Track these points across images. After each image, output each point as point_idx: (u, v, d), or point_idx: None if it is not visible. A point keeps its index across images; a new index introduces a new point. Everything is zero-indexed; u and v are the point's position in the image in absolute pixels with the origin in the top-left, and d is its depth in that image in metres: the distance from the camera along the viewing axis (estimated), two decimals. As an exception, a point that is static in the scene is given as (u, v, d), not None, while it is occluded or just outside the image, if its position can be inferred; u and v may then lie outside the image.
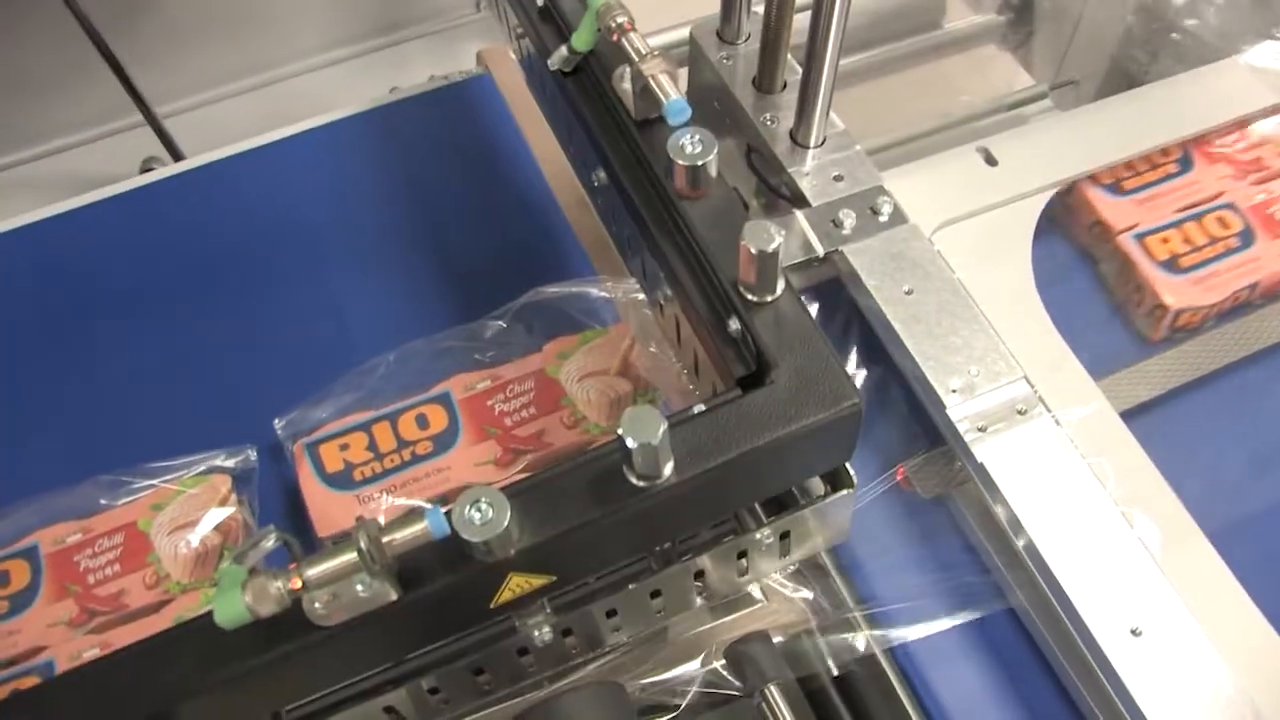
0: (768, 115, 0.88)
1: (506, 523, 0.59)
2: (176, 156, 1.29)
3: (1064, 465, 0.74)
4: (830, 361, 0.65)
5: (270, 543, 0.63)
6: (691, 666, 0.80)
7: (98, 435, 0.98)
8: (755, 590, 0.81)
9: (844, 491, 0.72)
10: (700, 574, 0.73)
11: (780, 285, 0.67)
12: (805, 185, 0.85)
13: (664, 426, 0.59)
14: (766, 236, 0.64)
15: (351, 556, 0.58)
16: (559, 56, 0.79)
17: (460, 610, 0.65)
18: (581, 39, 0.76)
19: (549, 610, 0.70)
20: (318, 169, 1.12)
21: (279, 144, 1.14)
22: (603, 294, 0.92)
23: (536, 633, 0.70)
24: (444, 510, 0.59)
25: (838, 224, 0.82)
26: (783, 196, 0.86)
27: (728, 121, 0.90)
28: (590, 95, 0.79)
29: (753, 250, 0.64)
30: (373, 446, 0.88)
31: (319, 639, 0.61)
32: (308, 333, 1.02)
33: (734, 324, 0.67)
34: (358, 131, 1.13)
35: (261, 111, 1.30)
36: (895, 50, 1.20)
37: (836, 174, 0.85)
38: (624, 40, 0.72)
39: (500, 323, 0.93)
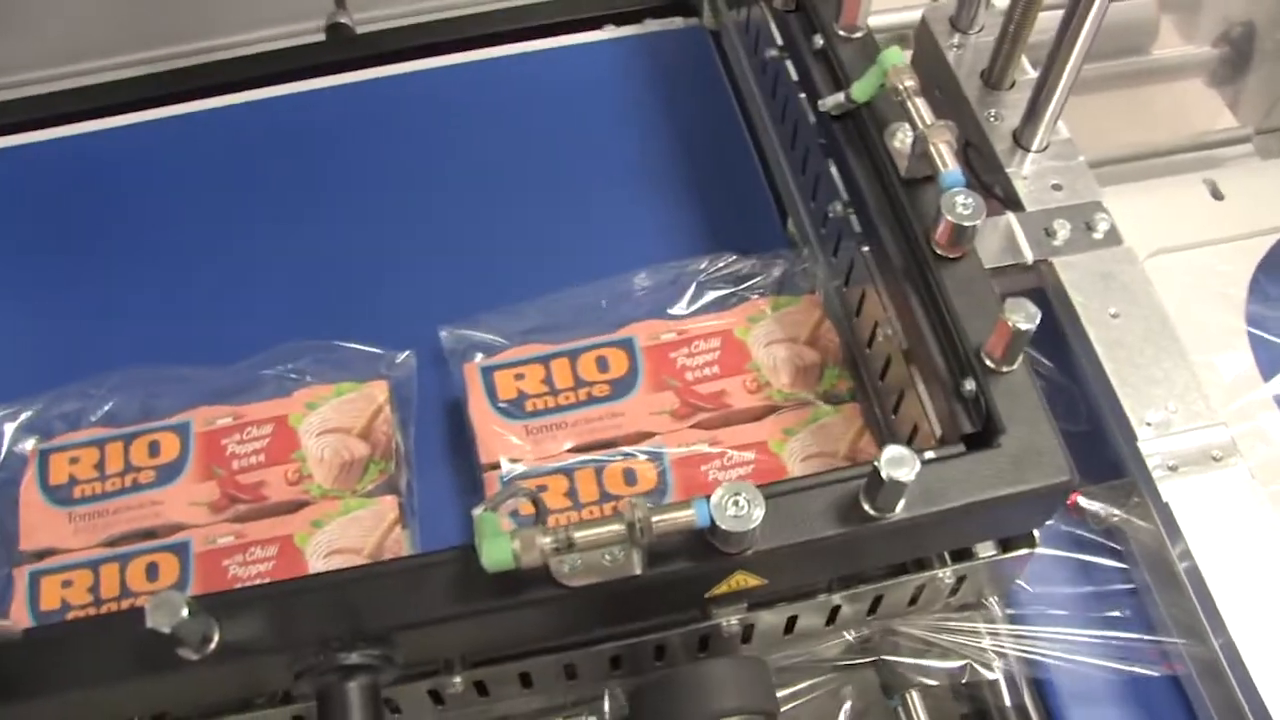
0: (992, 111, 0.89)
1: (758, 520, 0.64)
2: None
3: (1256, 521, 0.73)
4: (1053, 438, 0.70)
5: (520, 497, 0.69)
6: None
7: (265, 314, 1.02)
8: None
9: (1025, 550, 0.77)
10: (877, 600, 0.79)
11: (1020, 358, 0.72)
12: (1021, 188, 0.85)
13: (918, 468, 0.64)
14: (1026, 315, 0.69)
15: (619, 529, 0.64)
16: (834, 102, 0.84)
17: (679, 594, 0.71)
18: (863, 91, 0.81)
19: (746, 609, 0.75)
20: (515, 94, 1.16)
21: (481, 64, 1.19)
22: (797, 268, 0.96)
23: (726, 623, 0.75)
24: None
25: (1050, 233, 0.83)
26: (994, 196, 0.88)
27: (948, 111, 0.91)
28: (855, 142, 0.84)
29: (1011, 325, 0.69)
30: (549, 380, 0.90)
31: (556, 595, 0.66)
32: (496, 249, 1.05)
33: (969, 385, 0.72)
34: (565, 62, 1.18)
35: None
36: (1097, 70, 1.14)
37: (1055, 182, 0.85)
38: (909, 104, 0.77)
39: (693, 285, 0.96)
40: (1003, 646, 0.81)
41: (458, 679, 0.75)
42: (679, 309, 0.96)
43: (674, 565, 0.67)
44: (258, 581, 0.84)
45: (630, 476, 0.87)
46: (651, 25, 1.20)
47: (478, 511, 0.67)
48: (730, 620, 0.75)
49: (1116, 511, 0.80)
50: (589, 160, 1.11)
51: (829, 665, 0.84)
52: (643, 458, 0.87)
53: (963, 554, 0.78)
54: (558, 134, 1.13)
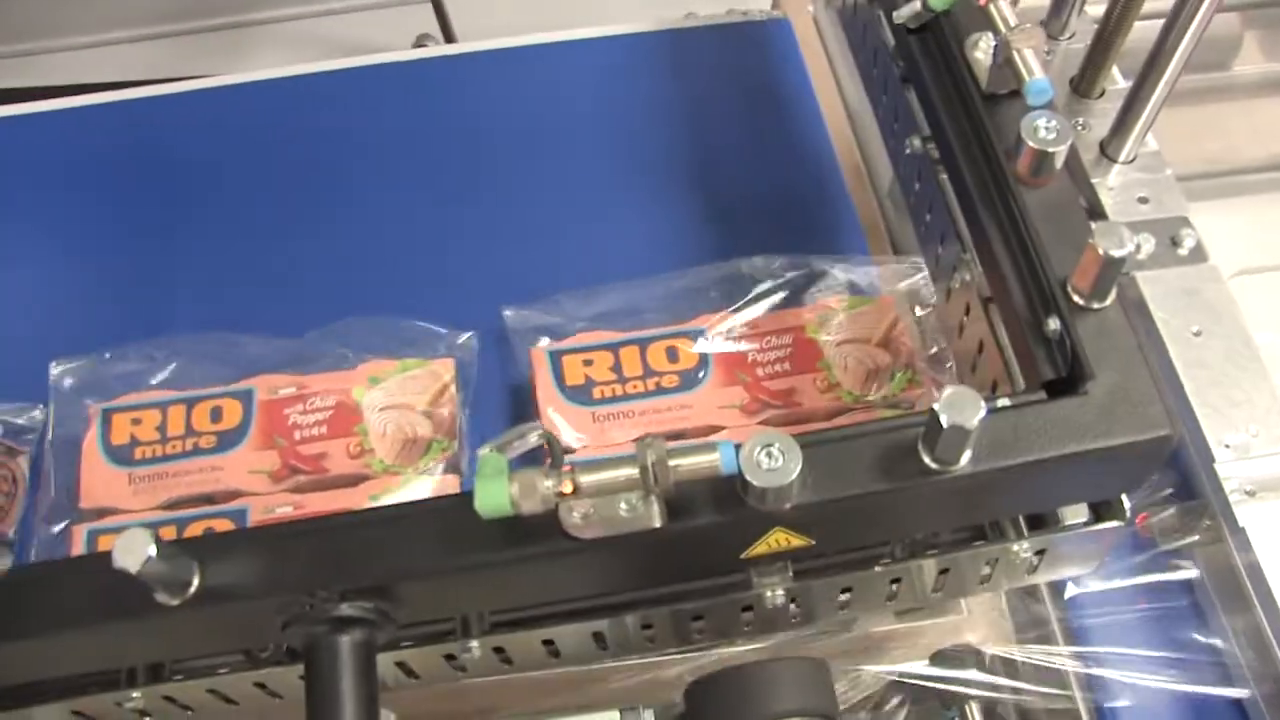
0: (1080, 120, 0.85)
1: (795, 475, 0.56)
2: (449, 38, 1.28)
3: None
4: (1151, 385, 0.61)
5: (535, 437, 0.62)
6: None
7: (324, 292, 0.98)
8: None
9: (1114, 523, 0.68)
10: (944, 572, 0.70)
11: (1113, 295, 0.63)
12: (1106, 199, 0.81)
13: (983, 412, 0.55)
14: (1119, 240, 0.59)
15: (630, 472, 0.56)
16: (909, 11, 0.75)
17: (710, 553, 0.63)
18: (941, -2, 0.72)
19: (791, 574, 0.67)
20: (593, 79, 1.09)
21: (557, 45, 1.12)
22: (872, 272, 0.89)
23: (769, 593, 0.67)
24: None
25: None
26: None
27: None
28: (933, 57, 0.75)
29: (1101, 252, 0.59)
30: (617, 368, 0.86)
31: (565, 549, 0.59)
32: (565, 234, 1.00)
33: (1053, 324, 0.63)
34: (642, 49, 1.10)
35: (539, 6, 1.26)
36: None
37: (1142, 195, 0.82)
38: (992, 6, 0.68)
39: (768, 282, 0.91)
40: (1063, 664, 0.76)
41: (474, 644, 0.68)
42: (751, 304, 0.91)
43: (700, 519, 0.59)
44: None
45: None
46: (734, 15, 1.13)
47: (483, 450, 0.60)
48: (775, 590, 0.67)
49: (1186, 533, 0.77)
50: (651, 147, 1.05)
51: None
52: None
53: (1040, 524, 0.69)
54: (631, 120, 1.07)
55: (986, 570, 0.70)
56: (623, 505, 0.59)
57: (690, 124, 1.05)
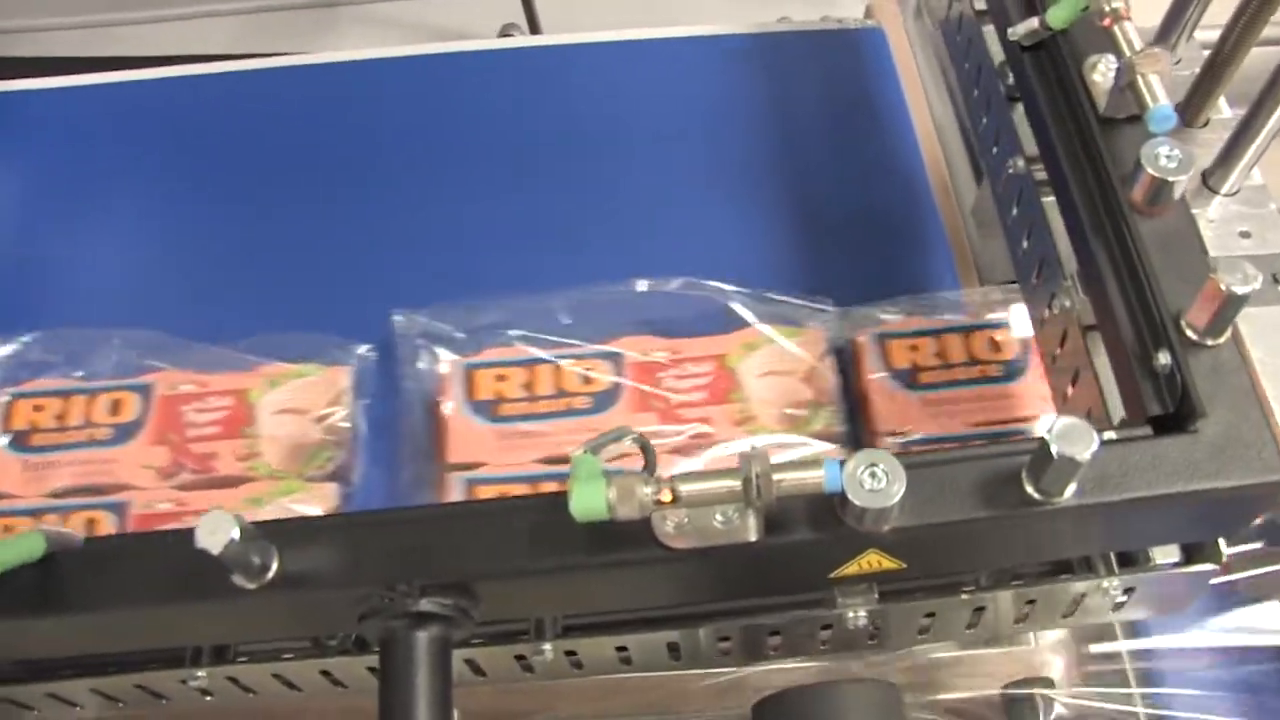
0: None
1: (898, 497, 0.54)
2: (534, 29, 1.27)
3: None
4: (1265, 427, 0.59)
5: (628, 441, 0.61)
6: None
7: (382, 280, 0.98)
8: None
9: (1208, 565, 0.66)
10: (1029, 604, 0.68)
11: (1229, 332, 0.61)
12: (1206, 231, 0.78)
13: (1096, 445, 0.54)
14: (1243, 276, 0.58)
15: (733, 484, 0.55)
16: (1026, 28, 0.73)
17: (799, 570, 0.62)
18: (1060, 16, 0.70)
19: (876, 595, 0.65)
20: (680, 79, 1.08)
21: (644, 43, 1.10)
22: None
23: (851, 613, 0.66)
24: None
25: (1233, 281, 0.75)
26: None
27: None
28: (1046, 75, 0.73)
29: (1223, 287, 0.58)
30: (529, 385, 0.86)
31: (655, 557, 0.58)
32: (631, 237, 0.99)
33: (1164, 359, 0.61)
34: (731, 52, 1.08)
35: (628, 2, 1.25)
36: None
37: (1243, 229, 0.78)
38: (1117, 28, 0.66)
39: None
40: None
41: (547, 646, 0.67)
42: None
43: (796, 535, 0.57)
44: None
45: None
46: (829, 22, 1.11)
47: (577, 452, 0.58)
48: (857, 611, 0.66)
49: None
50: (749, 154, 1.03)
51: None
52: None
53: (1128, 561, 0.68)
54: (716, 123, 1.05)
55: (1071, 605, 0.69)
56: (718, 517, 0.58)
57: (778, 131, 1.03)
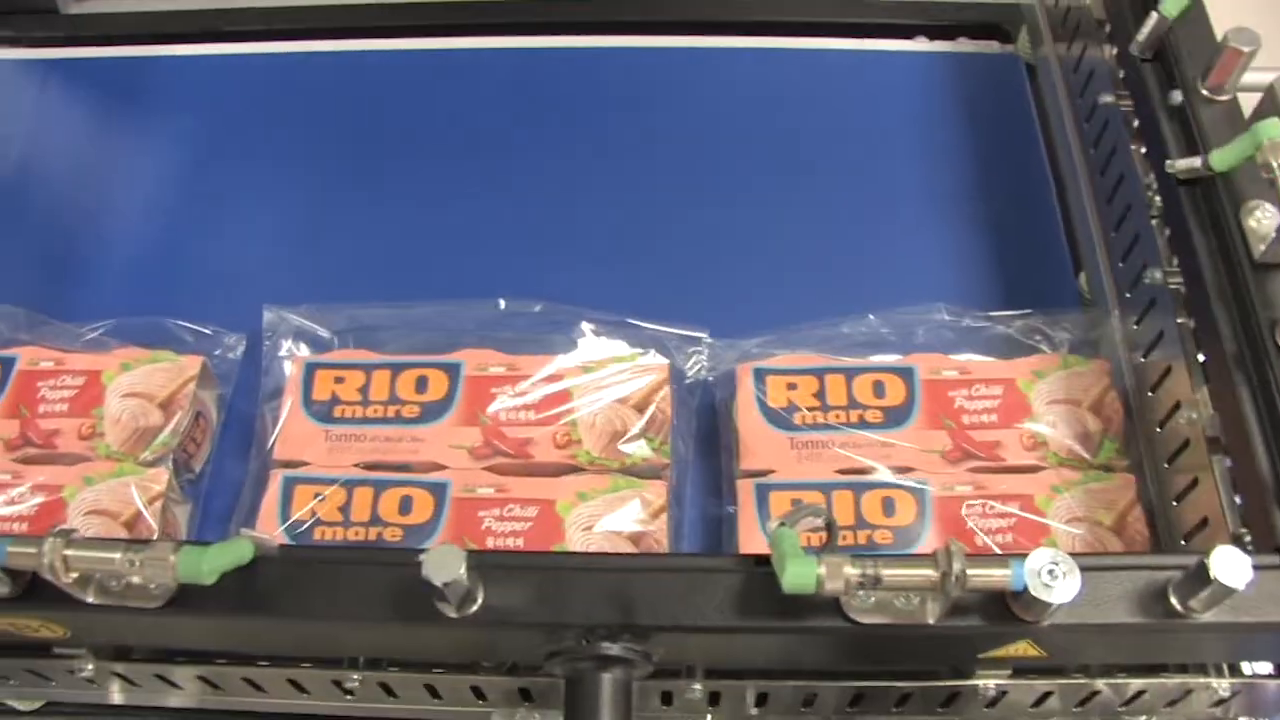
0: None
1: (1071, 596, 0.60)
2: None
3: None
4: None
5: (819, 520, 0.66)
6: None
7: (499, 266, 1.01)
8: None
9: (1304, 677, 0.73)
10: (1138, 694, 0.74)
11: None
12: None
13: (1251, 576, 0.60)
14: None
15: (930, 574, 0.60)
16: (1186, 166, 0.79)
17: (953, 649, 0.67)
18: (1225, 159, 0.76)
19: (1010, 672, 0.71)
20: (811, 88, 1.13)
21: (778, 51, 1.16)
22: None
23: (982, 684, 0.72)
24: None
25: None
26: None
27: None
28: (1200, 211, 0.79)
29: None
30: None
31: (839, 628, 0.63)
32: (739, 251, 1.02)
33: (1304, 495, 0.68)
34: (867, 65, 1.14)
35: None
36: None
37: None
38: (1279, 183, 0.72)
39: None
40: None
41: (697, 686, 0.72)
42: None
43: (968, 621, 0.63)
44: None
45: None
46: (965, 45, 1.16)
47: (774, 526, 0.64)
48: (988, 684, 0.71)
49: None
50: (867, 174, 1.07)
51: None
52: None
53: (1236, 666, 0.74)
54: (839, 138, 1.09)
55: (1176, 700, 0.75)
56: (900, 598, 0.63)
57: (908, 147, 1.08)
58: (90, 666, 0.75)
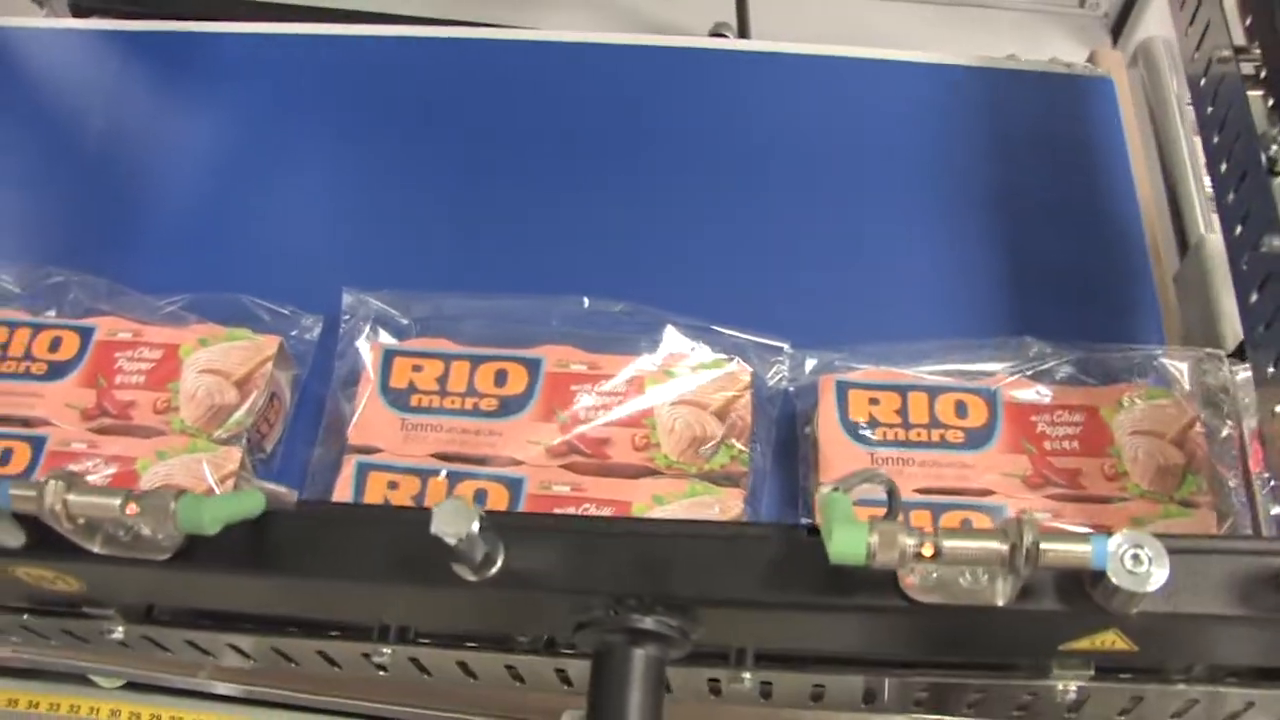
0: None
1: (1156, 586, 0.52)
2: (744, 33, 1.26)
3: None
4: None
5: (877, 483, 0.59)
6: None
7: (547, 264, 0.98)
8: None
9: None
10: (1249, 706, 0.66)
11: None
12: None
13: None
14: None
15: (998, 547, 0.53)
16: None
17: (1029, 638, 0.60)
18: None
19: (1093, 671, 0.64)
20: (890, 103, 1.06)
21: (857, 62, 1.09)
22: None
23: (1061, 686, 0.64)
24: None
25: None
26: None
27: None
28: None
29: None
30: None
31: (894, 607, 0.56)
32: (817, 255, 0.98)
33: None
34: (949, 82, 1.06)
35: (845, 18, 1.23)
36: None
37: None
38: None
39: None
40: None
41: (747, 675, 0.65)
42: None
43: (1041, 605, 0.56)
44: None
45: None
46: (1059, 65, 1.09)
47: (826, 490, 0.57)
48: (1068, 685, 0.64)
49: None
50: (957, 188, 1.01)
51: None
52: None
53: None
54: (924, 152, 1.03)
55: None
56: (965, 576, 0.56)
57: (990, 169, 1.01)
58: (120, 629, 0.72)
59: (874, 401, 0.83)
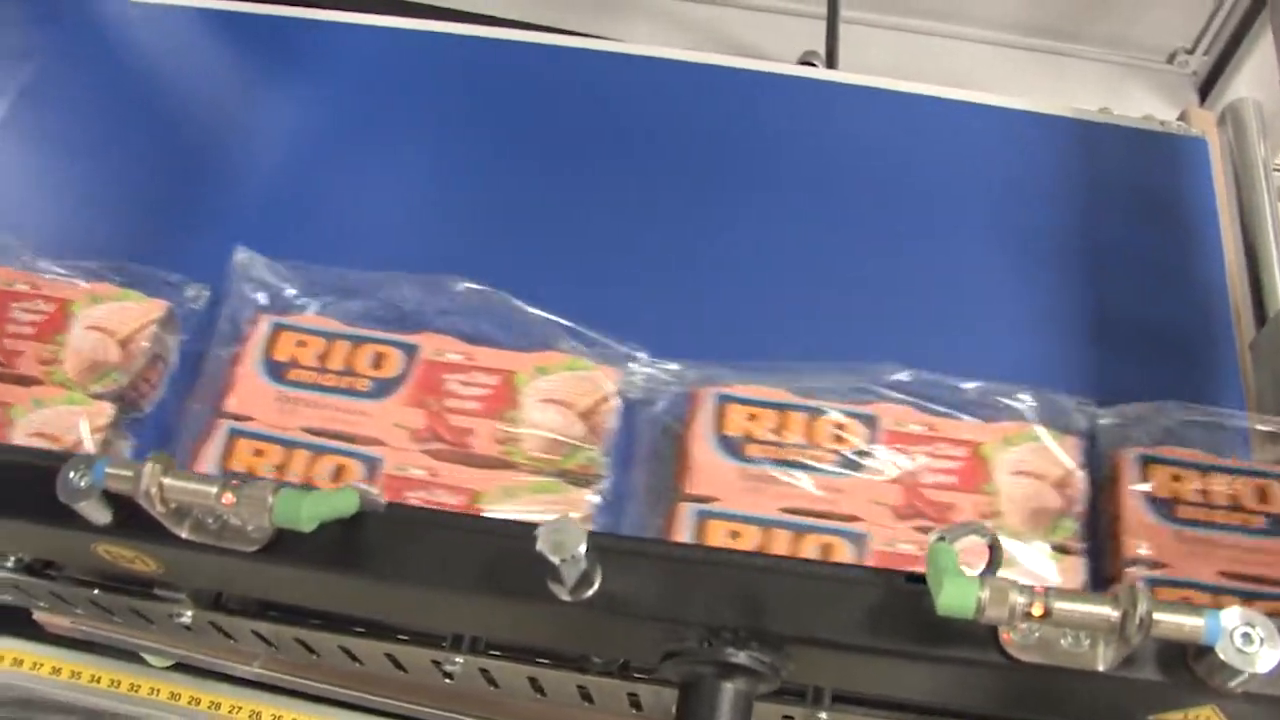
0: None
1: (1270, 667, 0.52)
2: (832, 63, 1.26)
3: None
4: None
5: (980, 537, 0.59)
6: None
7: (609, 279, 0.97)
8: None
9: None
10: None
11: None
12: None
13: None
14: None
15: (1109, 613, 0.53)
16: None
17: (1120, 704, 0.59)
18: None
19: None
20: (977, 146, 1.05)
21: (946, 102, 1.08)
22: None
23: (1141, 755, 0.63)
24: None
25: None
26: None
27: None
28: None
29: None
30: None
31: (991, 662, 0.56)
32: (892, 295, 0.97)
33: None
34: (1040, 130, 1.06)
35: (923, 52, 1.23)
36: None
37: None
38: None
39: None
40: None
41: (824, 715, 0.65)
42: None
43: (1142, 674, 0.55)
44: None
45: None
46: (1151, 122, 1.08)
47: (933, 540, 0.57)
48: (1148, 754, 0.63)
49: None
50: (1039, 238, 1.00)
51: None
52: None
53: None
54: (1007, 199, 1.03)
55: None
56: (1066, 638, 0.56)
57: (1075, 219, 1.00)
58: (189, 613, 0.73)
59: (751, 417, 0.84)
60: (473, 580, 0.60)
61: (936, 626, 0.55)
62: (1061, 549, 0.81)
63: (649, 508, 0.83)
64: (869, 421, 0.84)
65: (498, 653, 0.69)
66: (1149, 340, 0.93)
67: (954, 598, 0.53)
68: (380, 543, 0.61)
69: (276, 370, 0.87)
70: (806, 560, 0.73)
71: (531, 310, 0.89)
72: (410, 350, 0.87)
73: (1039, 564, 0.79)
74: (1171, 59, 1.18)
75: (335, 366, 0.87)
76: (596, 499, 0.82)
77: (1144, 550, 0.79)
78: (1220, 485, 0.82)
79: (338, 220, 1.01)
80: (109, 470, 0.60)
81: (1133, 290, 0.96)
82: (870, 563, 0.77)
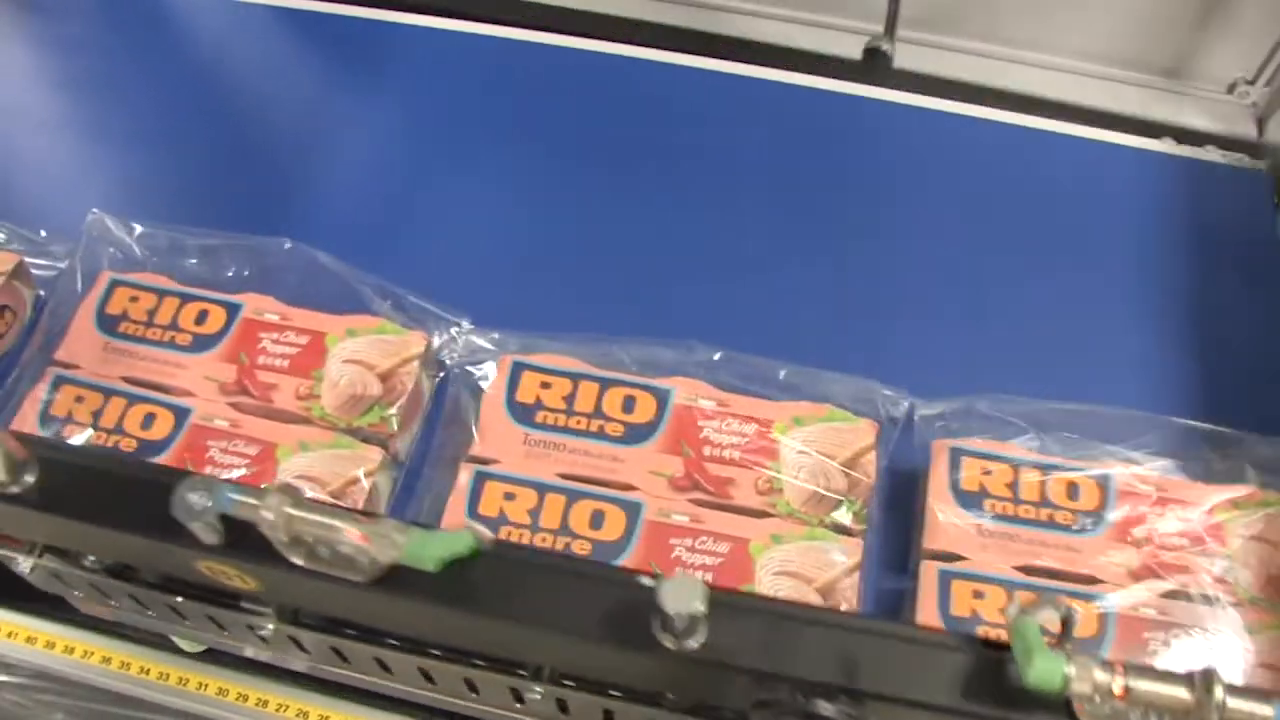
0: None
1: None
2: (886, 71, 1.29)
3: None
4: None
5: (1058, 610, 0.63)
6: None
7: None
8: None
9: None
10: None
11: None
12: None
13: None
14: None
15: (1185, 697, 0.57)
16: None
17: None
18: None
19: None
20: (1033, 169, 1.11)
21: (996, 125, 1.13)
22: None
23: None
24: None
25: None
26: None
27: None
28: None
29: None
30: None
31: (1061, 735, 0.61)
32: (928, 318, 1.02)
33: None
34: (1104, 159, 1.11)
35: (980, 69, 1.27)
36: None
37: None
38: None
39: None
40: None
41: (890, 765, 0.69)
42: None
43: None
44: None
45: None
46: (1212, 154, 1.13)
47: (1013, 613, 0.61)
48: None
49: None
50: (1090, 264, 1.05)
51: None
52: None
53: None
54: (1069, 225, 1.07)
55: None
56: (1135, 713, 0.60)
57: (1133, 251, 1.06)
58: (271, 626, 0.74)
59: (545, 385, 0.90)
60: (582, 624, 0.63)
61: (1016, 695, 0.60)
62: (843, 529, 0.85)
63: (444, 469, 0.89)
64: (660, 394, 0.89)
65: (572, 684, 0.72)
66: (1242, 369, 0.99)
67: (1043, 674, 0.57)
68: (490, 581, 0.64)
69: (108, 323, 0.96)
70: (899, 623, 0.77)
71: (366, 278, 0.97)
72: (235, 309, 0.94)
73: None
74: (1231, 89, 1.22)
75: (162, 321, 0.96)
76: (381, 456, 0.88)
77: (943, 544, 0.85)
78: (1031, 480, 0.87)
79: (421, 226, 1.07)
80: (233, 497, 0.62)
81: (1195, 326, 1.01)
82: (643, 531, 0.83)
